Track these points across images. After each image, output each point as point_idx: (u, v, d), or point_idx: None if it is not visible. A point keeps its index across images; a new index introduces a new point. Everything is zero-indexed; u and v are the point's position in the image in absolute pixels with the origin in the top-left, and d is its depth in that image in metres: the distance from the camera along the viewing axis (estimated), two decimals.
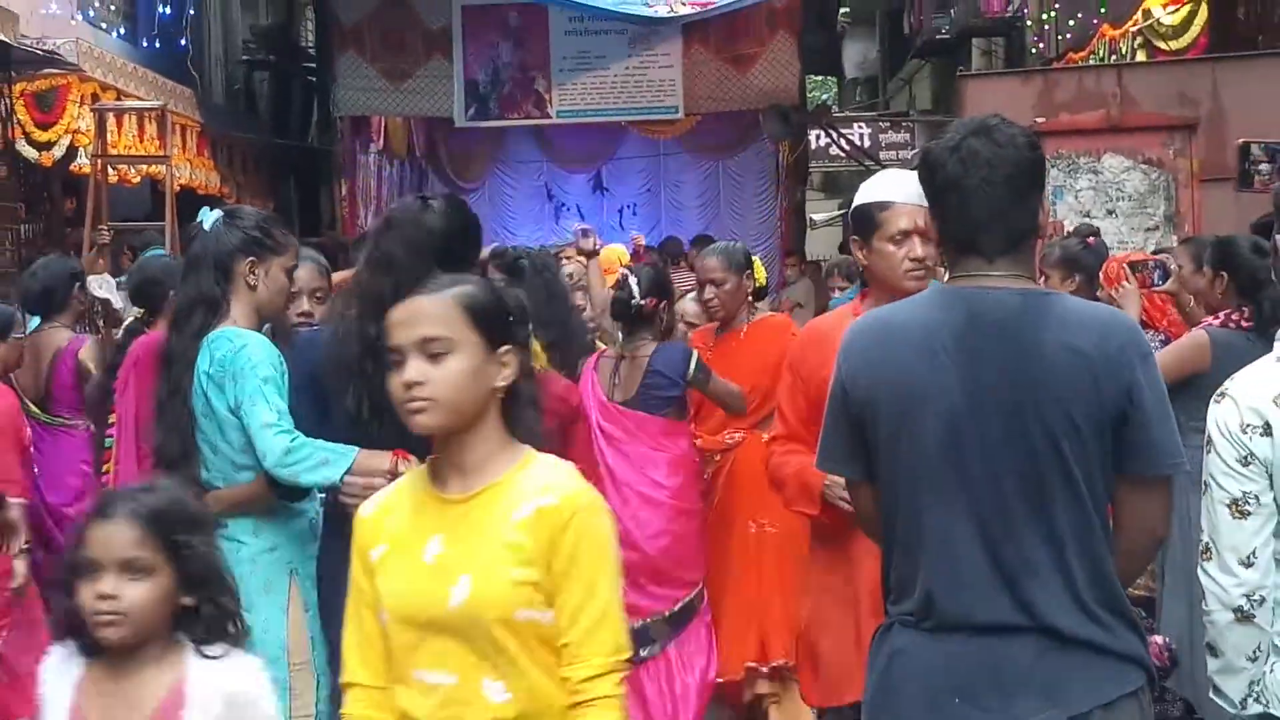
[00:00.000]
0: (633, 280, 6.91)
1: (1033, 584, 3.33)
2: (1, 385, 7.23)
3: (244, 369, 4.72)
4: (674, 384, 6.65)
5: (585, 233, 8.51)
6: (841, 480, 4.12)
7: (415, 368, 3.24)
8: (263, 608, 4.73)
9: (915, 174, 4.17)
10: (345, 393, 4.64)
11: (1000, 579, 3.33)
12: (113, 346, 6.57)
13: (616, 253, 12.67)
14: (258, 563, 4.81)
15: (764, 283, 8.05)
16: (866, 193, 4.91)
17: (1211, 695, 3.63)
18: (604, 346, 7.35)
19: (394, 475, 4.51)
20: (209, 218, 5.08)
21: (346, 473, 4.58)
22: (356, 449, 4.61)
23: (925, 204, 4.11)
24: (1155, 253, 8.80)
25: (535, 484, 3.30)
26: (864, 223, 4.82)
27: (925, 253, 4.69)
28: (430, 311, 3.30)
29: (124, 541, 3.25)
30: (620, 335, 7.01)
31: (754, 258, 7.81)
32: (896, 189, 4.77)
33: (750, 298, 7.53)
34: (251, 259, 4.95)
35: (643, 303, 6.79)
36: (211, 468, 4.86)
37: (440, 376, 3.23)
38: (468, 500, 3.31)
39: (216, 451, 4.84)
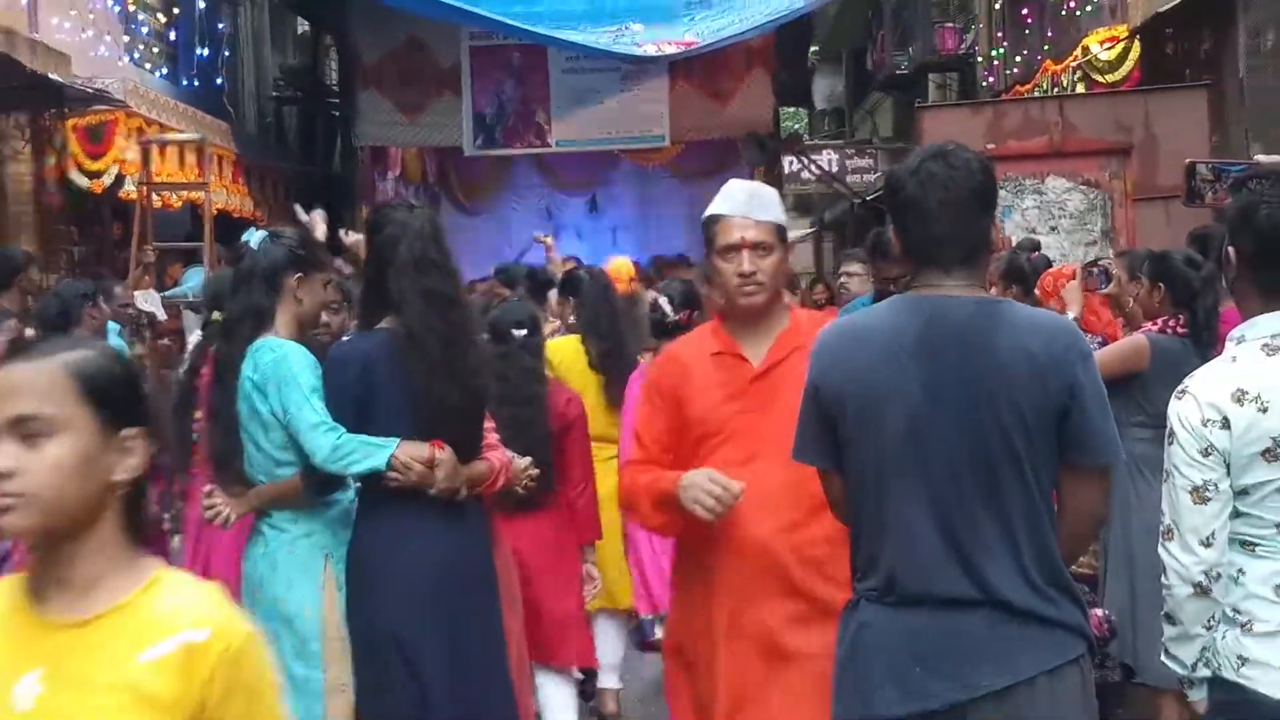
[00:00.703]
0: (663, 301, 6.83)
1: (985, 562, 3.32)
2: None
3: (286, 376, 4.72)
4: None
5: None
6: (700, 480, 3.97)
7: (5, 453, 2.26)
8: (300, 586, 4.80)
9: (749, 184, 4.40)
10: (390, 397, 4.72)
11: (956, 558, 3.33)
12: (196, 350, 6.49)
13: (624, 265, 12.73)
14: (296, 547, 4.83)
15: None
16: (710, 207, 4.41)
17: (1163, 659, 3.63)
18: (644, 358, 7.22)
19: (433, 463, 4.64)
20: (255, 237, 5.08)
21: (389, 462, 4.61)
22: (397, 439, 4.64)
23: (756, 216, 4.21)
24: (1094, 262, 8.84)
25: (175, 611, 2.32)
26: (705, 239, 4.40)
27: (756, 267, 4.20)
28: (27, 382, 2.31)
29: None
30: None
31: None
32: (725, 201, 4.33)
33: None
34: (299, 274, 4.96)
35: (677, 318, 6.68)
36: (254, 464, 4.88)
37: (36, 466, 2.26)
38: (82, 626, 2.31)
39: (260, 449, 4.85)
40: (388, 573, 4.71)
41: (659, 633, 6.31)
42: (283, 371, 4.73)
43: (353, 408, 4.69)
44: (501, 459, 5.03)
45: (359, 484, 4.88)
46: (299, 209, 6.48)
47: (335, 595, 4.82)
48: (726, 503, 3.96)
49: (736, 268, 4.19)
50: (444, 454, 4.69)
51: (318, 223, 6.26)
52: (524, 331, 6.29)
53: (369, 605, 4.74)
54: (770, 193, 4.38)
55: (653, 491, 4.19)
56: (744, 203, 4.20)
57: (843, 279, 9.60)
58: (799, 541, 4.07)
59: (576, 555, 6.51)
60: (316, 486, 4.80)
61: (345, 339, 5.15)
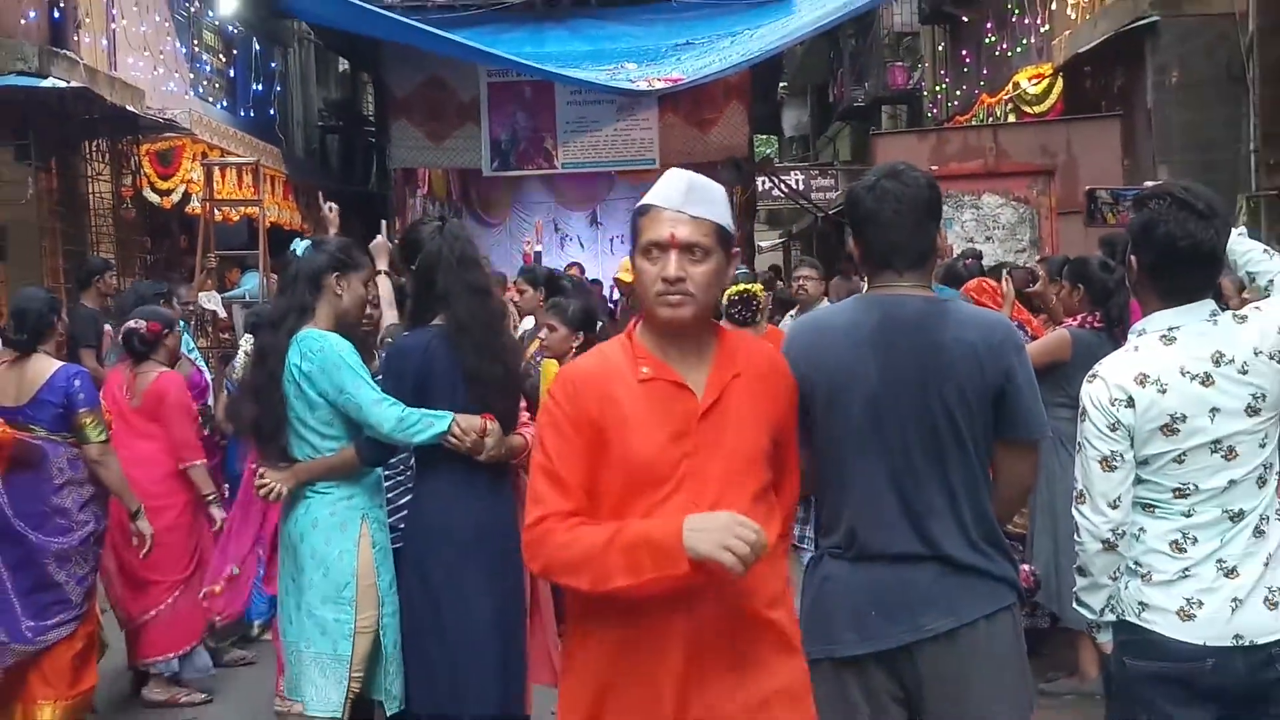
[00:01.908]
0: None
1: (933, 523, 3.35)
2: (172, 371, 7.27)
3: (335, 361, 4.73)
4: None
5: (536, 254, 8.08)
6: (726, 521, 2.83)
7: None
8: (339, 541, 4.81)
9: (690, 175, 3.12)
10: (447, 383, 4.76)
11: (908, 519, 3.35)
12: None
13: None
14: (337, 507, 4.84)
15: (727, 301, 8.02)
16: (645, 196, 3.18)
17: (1075, 607, 3.65)
18: None
19: (484, 434, 4.71)
20: (301, 246, 5.09)
21: (449, 427, 4.69)
22: (452, 413, 4.71)
23: (691, 211, 3.04)
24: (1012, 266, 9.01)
25: None
26: (630, 232, 3.18)
27: (684, 273, 3.02)
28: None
29: None
30: None
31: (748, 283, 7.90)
32: (660, 190, 3.11)
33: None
34: (337, 274, 4.95)
35: None
36: (299, 441, 4.84)
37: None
38: None
39: (306, 427, 4.82)
40: (442, 526, 4.78)
41: None
42: (330, 357, 4.73)
43: (413, 389, 4.74)
44: (535, 434, 5.08)
45: (415, 455, 4.96)
46: (324, 203, 6.58)
47: (369, 551, 4.83)
48: (759, 550, 2.83)
49: (660, 270, 3.03)
50: (494, 425, 4.77)
51: (333, 217, 6.41)
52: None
53: (424, 553, 4.79)
54: (716, 189, 3.13)
55: (625, 545, 2.90)
56: (680, 194, 3.04)
57: (800, 281, 9.69)
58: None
59: None
60: (370, 458, 4.82)
61: (405, 334, 5.09)
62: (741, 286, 7.57)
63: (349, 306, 5.00)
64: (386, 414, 4.65)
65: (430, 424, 4.67)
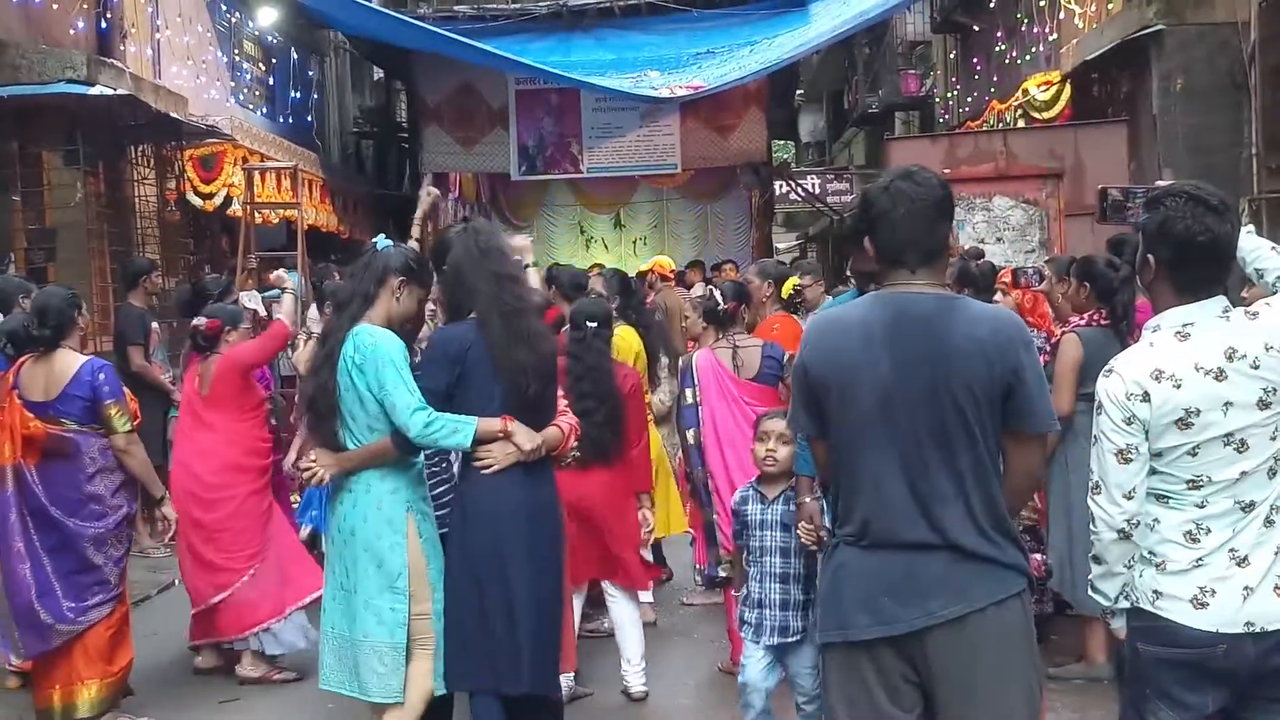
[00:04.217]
0: (717, 292, 6.83)
1: (943, 512, 3.33)
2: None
3: (383, 359, 4.71)
4: (780, 367, 6.52)
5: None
6: None
7: None
8: (388, 534, 4.80)
9: None
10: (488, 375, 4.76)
11: (919, 508, 3.34)
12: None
13: (666, 261, 13.27)
14: (383, 502, 4.81)
15: (788, 295, 8.09)
16: None
17: (1090, 594, 3.62)
18: (692, 341, 7.30)
19: (505, 434, 4.70)
20: (383, 243, 5.10)
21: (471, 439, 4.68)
22: (475, 418, 4.68)
23: None
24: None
25: None
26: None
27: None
28: None
29: None
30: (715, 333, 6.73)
31: (790, 277, 8.06)
32: None
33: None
34: (403, 279, 4.93)
35: (726, 306, 6.64)
36: (349, 429, 4.83)
37: None
38: None
39: (354, 418, 4.81)
40: (488, 511, 4.75)
41: (722, 572, 6.36)
42: (380, 354, 4.71)
43: (453, 374, 4.74)
44: (570, 422, 5.07)
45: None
46: (426, 186, 6.65)
47: (417, 542, 4.82)
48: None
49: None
50: (514, 425, 4.74)
51: (430, 199, 6.54)
52: (595, 324, 6.34)
53: (469, 537, 4.78)
54: None
55: None
56: None
57: (800, 286, 9.78)
58: None
59: (634, 500, 6.52)
60: (404, 447, 4.78)
61: (445, 325, 5.07)
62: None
63: (400, 313, 4.96)
64: (415, 419, 4.62)
65: (455, 429, 4.64)
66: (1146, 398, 3.38)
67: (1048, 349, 6.61)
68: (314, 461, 4.89)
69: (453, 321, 4.98)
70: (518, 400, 4.76)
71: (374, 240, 5.15)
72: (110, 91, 11.00)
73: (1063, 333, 6.54)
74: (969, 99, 21.19)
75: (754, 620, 5.20)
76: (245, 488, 6.99)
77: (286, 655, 7.07)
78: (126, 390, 6.28)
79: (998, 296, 7.90)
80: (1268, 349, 3.38)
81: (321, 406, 4.86)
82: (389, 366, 4.70)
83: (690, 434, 6.47)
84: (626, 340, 7.59)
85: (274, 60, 18.16)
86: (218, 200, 14.09)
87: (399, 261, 4.97)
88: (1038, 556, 4.92)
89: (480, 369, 4.74)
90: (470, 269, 4.83)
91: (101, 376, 6.06)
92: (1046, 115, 15.57)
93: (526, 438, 4.75)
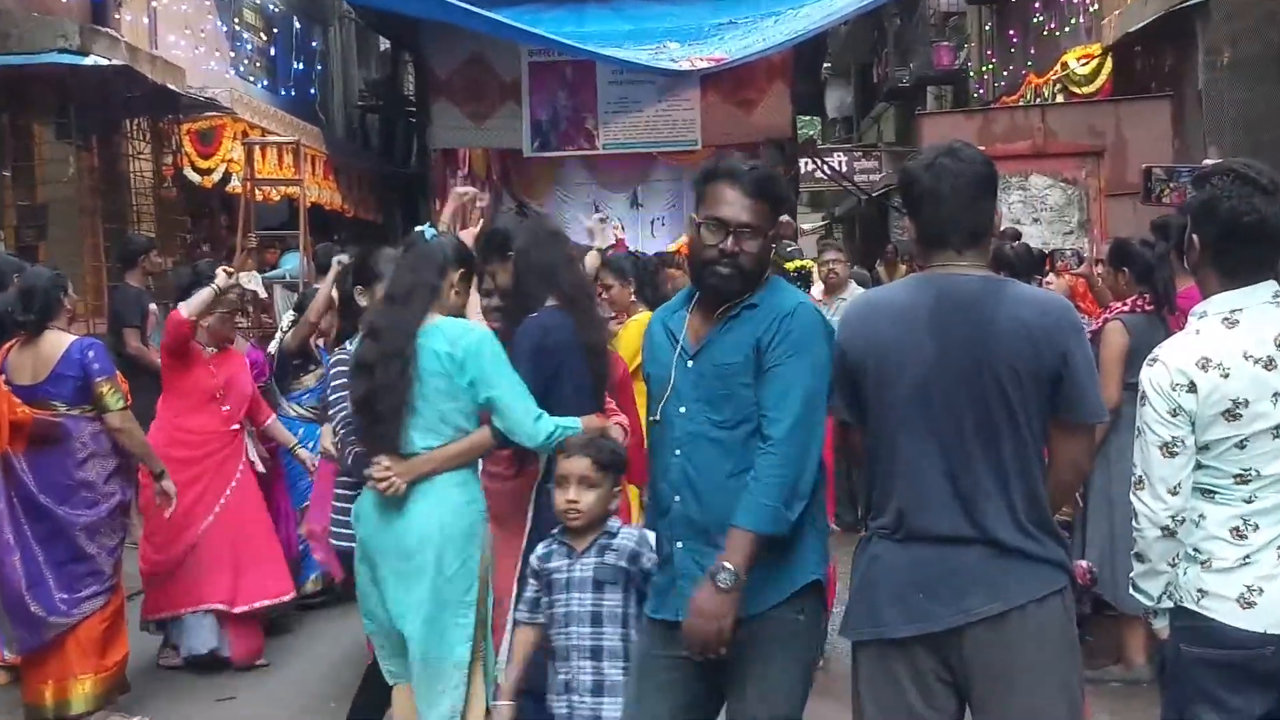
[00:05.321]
0: None
1: (982, 505, 3.32)
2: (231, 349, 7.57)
3: (496, 357, 4.62)
4: None
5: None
6: None
7: None
8: (464, 546, 4.65)
9: None
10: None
11: (957, 500, 3.33)
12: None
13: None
14: (462, 512, 4.65)
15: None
16: None
17: (1132, 592, 3.62)
18: None
19: (604, 433, 4.71)
20: (428, 231, 5.03)
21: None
22: (578, 419, 4.70)
23: None
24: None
25: None
26: None
27: None
28: None
29: None
30: None
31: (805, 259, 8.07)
32: None
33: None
34: (463, 270, 4.84)
35: None
36: (425, 433, 4.62)
37: None
38: None
39: (442, 420, 4.62)
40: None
41: None
42: (484, 351, 4.59)
43: (551, 368, 4.80)
44: (622, 422, 5.16)
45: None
46: (460, 187, 6.59)
47: (489, 552, 4.75)
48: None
49: None
50: (610, 424, 4.85)
51: (464, 193, 6.35)
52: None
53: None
54: None
55: None
56: None
57: (829, 265, 9.80)
58: None
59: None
60: (505, 446, 4.73)
61: (532, 316, 4.97)
62: None
63: (453, 308, 4.82)
64: (540, 428, 4.55)
65: (565, 434, 4.56)
66: (1192, 388, 3.36)
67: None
68: (388, 469, 4.61)
69: (520, 312, 4.92)
70: (603, 388, 4.79)
71: (420, 230, 5.05)
72: (104, 62, 11.00)
73: (1105, 319, 6.52)
74: (1005, 73, 21.10)
75: (565, 711, 4.28)
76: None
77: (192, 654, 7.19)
78: (118, 371, 6.32)
79: (1050, 279, 7.85)
80: None
81: (383, 407, 4.59)
82: (503, 365, 4.61)
83: None
84: (631, 332, 7.45)
85: (276, 30, 18.16)
86: (216, 176, 14.09)
87: (460, 253, 4.86)
88: (1083, 563, 4.91)
89: (574, 358, 4.79)
90: (547, 254, 4.82)
91: (91, 354, 6.09)
92: (1087, 90, 15.49)
93: (620, 435, 4.77)
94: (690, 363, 3.74)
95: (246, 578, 7.16)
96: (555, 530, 4.47)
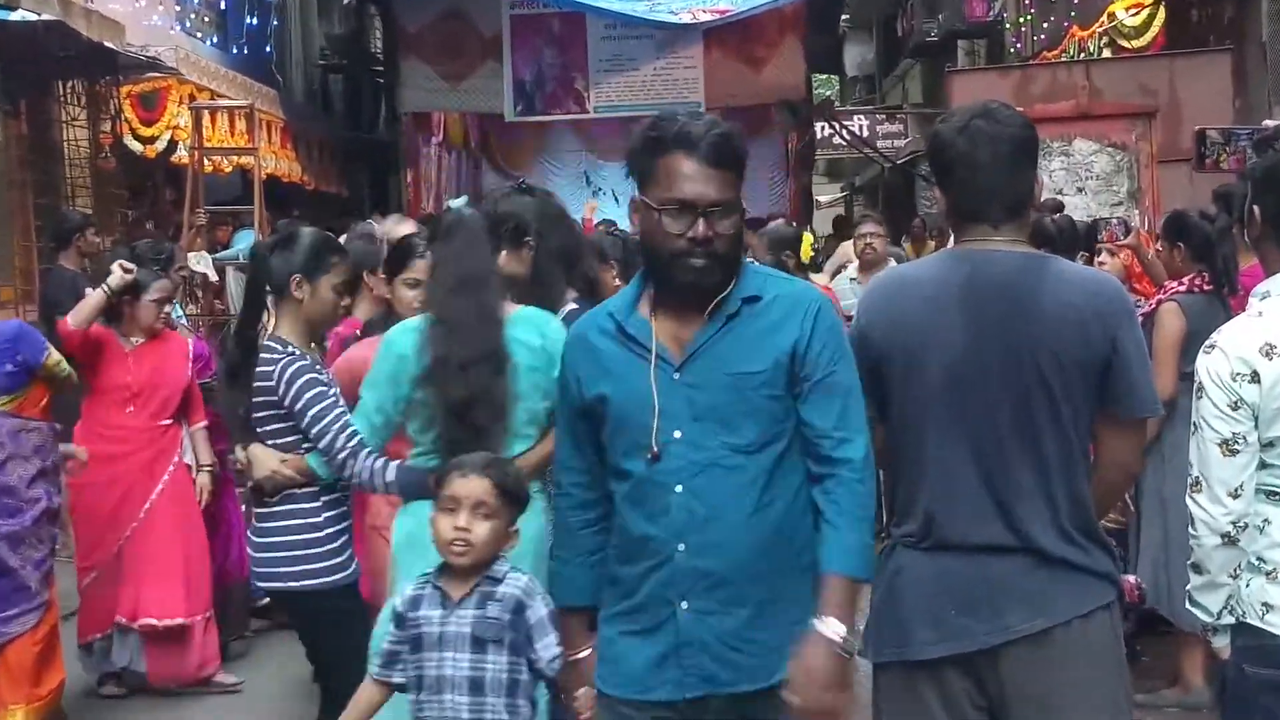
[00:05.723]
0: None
1: (1021, 509, 3.32)
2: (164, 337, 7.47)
3: None
4: None
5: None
6: None
7: None
8: (529, 561, 4.31)
9: None
10: None
11: (993, 503, 3.33)
12: None
13: None
14: (546, 530, 4.36)
15: (809, 257, 8.12)
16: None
17: (1188, 607, 3.62)
18: None
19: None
20: (459, 203, 4.74)
21: None
22: None
23: None
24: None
25: None
26: None
27: None
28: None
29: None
30: None
31: (804, 236, 8.03)
32: None
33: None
34: (505, 252, 4.72)
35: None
36: (512, 430, 4.46)
37: None
38: None
39: (528, 414, 4.48)
40: None
41: None
42: None
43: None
44: None
45: None
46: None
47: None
48: None
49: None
50: None
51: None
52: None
53: None
54: None
55: None
56: None
57: (867, 239, 9.80)
58: None
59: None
60: None
61: (572, 310, 4.82)
62: None
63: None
64: None
65: None
66: (1255, 378, 3.36)
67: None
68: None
69: (539, 300, 4.72)
70: None
71: (449, 204, 4.80)
72: (34, 17, 10.98)
73: (1159, 301, 6.50)
74: (1045, 25, 21.08)
75: None
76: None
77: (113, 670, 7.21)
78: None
79: (1102, 258, 7.82)
80: None
81: (482, 417, 4.37)
82: None
83: None
84: None
85: None
86: (160, 145, 14.09)
87: (501, 229, 4.70)
88: (1131, 579, 4.90)
89: None
90: (565, 238, 4.82)
91: (18, 331, 6.15)
92: (1136, 44, 15.48)
93: None
94: (677, 375, 3.39)
95: (152, 590, 7.09)
96: (430, 571, 3.96)
